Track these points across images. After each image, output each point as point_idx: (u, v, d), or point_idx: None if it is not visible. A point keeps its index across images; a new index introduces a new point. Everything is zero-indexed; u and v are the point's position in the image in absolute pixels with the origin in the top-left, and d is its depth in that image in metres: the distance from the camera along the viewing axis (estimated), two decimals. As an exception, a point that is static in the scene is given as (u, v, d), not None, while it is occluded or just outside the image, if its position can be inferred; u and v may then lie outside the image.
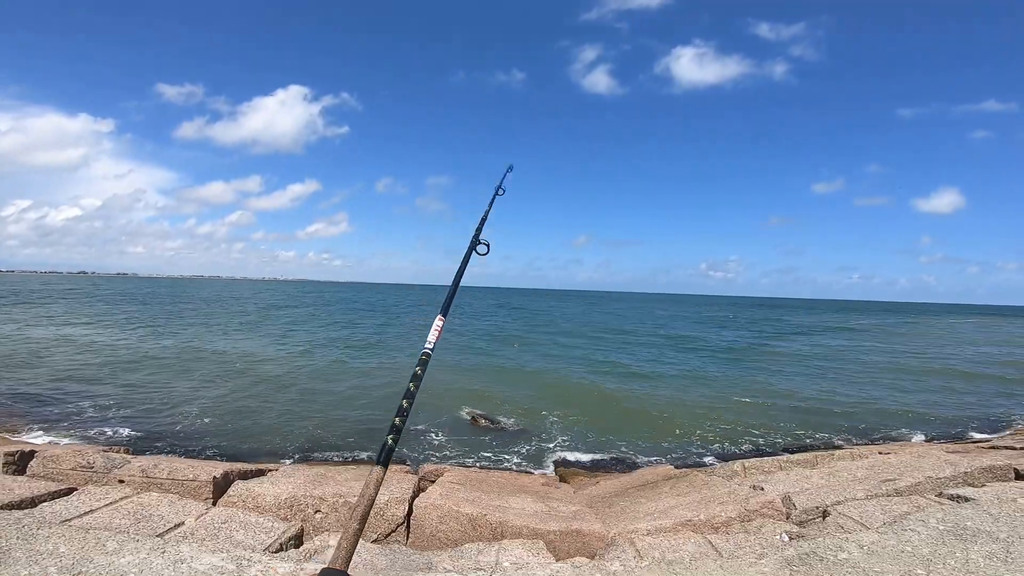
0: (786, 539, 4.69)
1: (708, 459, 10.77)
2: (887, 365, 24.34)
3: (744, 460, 7.99)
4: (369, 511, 1.26)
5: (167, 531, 3.79)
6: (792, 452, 11.12)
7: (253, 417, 12.82)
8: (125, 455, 6.77)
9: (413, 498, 5.19)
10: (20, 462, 5.35)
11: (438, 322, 2.08)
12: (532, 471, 9.48)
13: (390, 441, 1.41)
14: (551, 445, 11.42)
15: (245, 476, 5.60)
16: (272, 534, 3.97)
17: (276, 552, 3.68)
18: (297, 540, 4.07)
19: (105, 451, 5.72)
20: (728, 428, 13.09)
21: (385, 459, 1.38)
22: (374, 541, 4.72)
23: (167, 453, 9.48)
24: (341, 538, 1.20)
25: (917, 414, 15.07)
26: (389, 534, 4.77)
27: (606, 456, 10.79)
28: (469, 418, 13.17)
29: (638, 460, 10.52)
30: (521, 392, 16.85)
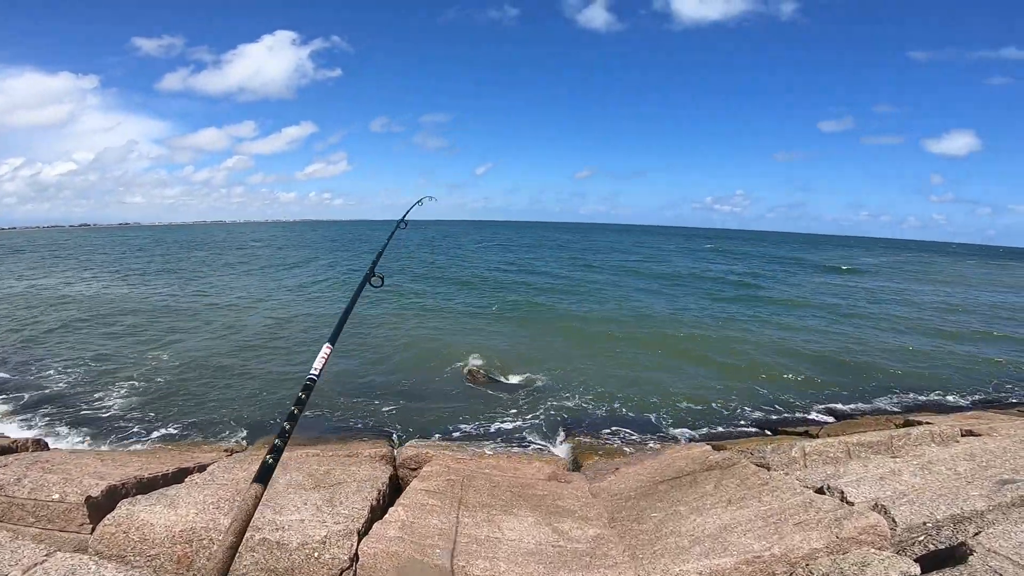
0: (906, 589, 3.24)
1: (745, 425, 9.34)
2: (908, 312, 22.16)
3: (801, 441, 6.45)
4: (246, 528, 1.16)
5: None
6: (838, 418, 9.74)
7: (217, 379, 11.41)
8: (27, 448, 5.47)
9: (369, 524, 3.75)
10: None
11: (325, 350, 1.83)
12: (537, 448, 8.09)
13: (270, 461, 1.31)
14: (559, 405, 10.03)
15: (148, 485, 4.20)
16: None
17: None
18: None
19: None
20: (756, 383, 11.64)
21: (263, 477, 1.27)
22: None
23: (91, 438, 8.13)
24: (216, 550, 1.09)
25: (952, 368, 13.49)
26: (330, 583, 3.34)
27: (625, 420, 9.39)
28: (467, 374, 11.82)
29: (663, 429, 9.10)
30: (524, 341, 15.31)
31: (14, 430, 8.04)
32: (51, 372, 11.42)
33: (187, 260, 42.78)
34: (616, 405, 10.06)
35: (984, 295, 29.16)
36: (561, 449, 8.04)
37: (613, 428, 9.01)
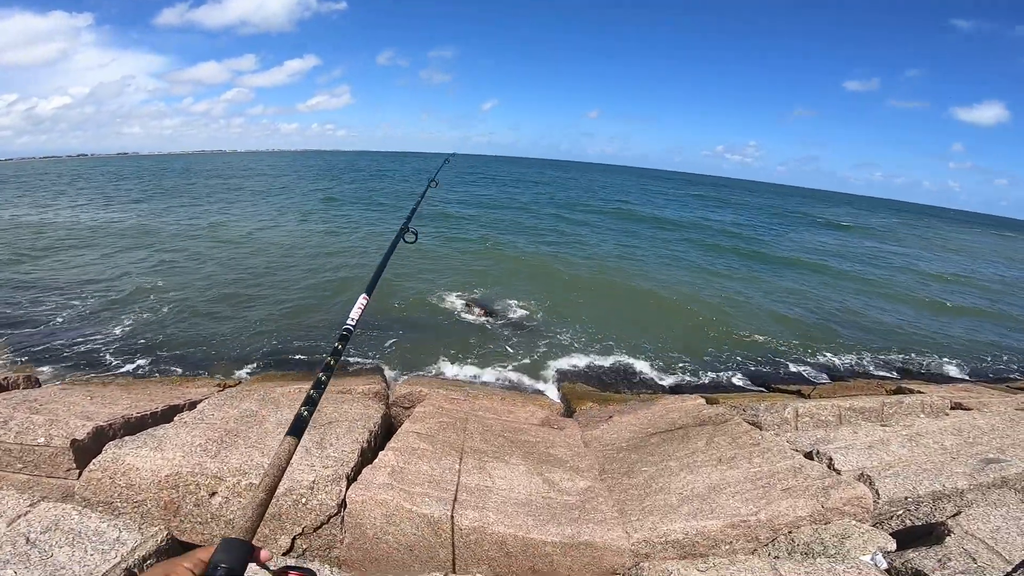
0: (882, 564, 3.29)
1: (738, 379, 9.38)
2: (910, 278, 21.94)
3: (793, 401, 6.47)
4: (278, 483, 1.11)
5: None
6: (831, 378, 9.80)
7: (215, 309, 11.34)
8: (18, 386, 5.39)
9: (359, 468, 3.74)
10: None
11: (361, 300, 1.79)
12: (531, 390, 8.14)
13: (304, 413, 1.28)
14: (554, 347, 10.03)
15: (136, 425, 4.15)
16: (115, 552, 2.59)
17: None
18: (164, 553, 2.69)
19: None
20: (751, 337, 11.61)
21: (297, 430, 1.23)
22: (293, 544, 3.32)
23: (84, 371, 7.98)
24: (246, 506, 1.04)
25: (949, 339, 13.42)
26: (317, 528, 3.35)
27: (619, 366, 9.43)
28: (464, 305, 11.78)
29: (656, 377, 9.15)
30: (522, 280, 15.12)
31: (4, 367, 7.86)
32: (45, 304, 11.22)
33: (187, 187, 41.89)
34: (611, 350, 10.09)
35: (989, 267, 28.76)
36: (555, 392, 8.08)
37: (608, 373, 9.09)
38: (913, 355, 11.69)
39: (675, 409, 6.25)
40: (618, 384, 8.67)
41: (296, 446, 1.21)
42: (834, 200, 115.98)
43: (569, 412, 6.83)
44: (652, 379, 9.11)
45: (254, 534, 1.02)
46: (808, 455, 4.73)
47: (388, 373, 8.41)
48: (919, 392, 7.35)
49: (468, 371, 8.83)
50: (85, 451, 3.64)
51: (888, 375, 10.27)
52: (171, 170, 69.77)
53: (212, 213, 26.03)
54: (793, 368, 10.21)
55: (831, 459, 4.63)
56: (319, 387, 1.42)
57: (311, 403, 1.34)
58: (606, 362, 9.59)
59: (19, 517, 2.70)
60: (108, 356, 8.72)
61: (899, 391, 7.87)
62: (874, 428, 5.53)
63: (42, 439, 3.63)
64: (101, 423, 3.88)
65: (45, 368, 7.99)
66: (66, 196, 34.36)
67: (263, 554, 0.98)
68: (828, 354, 11.04)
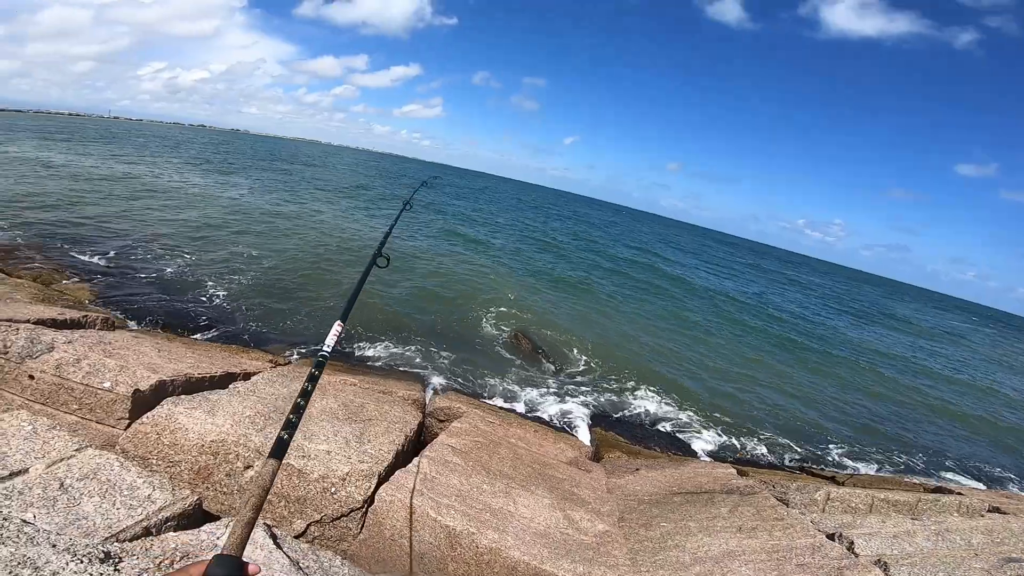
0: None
1: (772, 457, 9.03)
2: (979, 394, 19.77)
3: (826, 485, 6.27)
4: (263, 502, 1.17)
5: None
6: (872, 472, 9.41)
7: (294, 286, 12.00)
8: (95, 325, 5.73)
9: (391, 469, 3.86)
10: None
11: (336, 327, 1.83)
12: (564, 428, 8.11)
13: (285, 436, 1.32)
14: (594, 392, 9.91)
15: (194, 386, 4.37)
16: (142, 509, 2.63)
17: (133, 539, 2.42)
18: (187, 519, 2.74)
19: (35, 328, 4.52)
20: (798, 417, 11.17)
21: (279, 451, 1.28)
22: (307, 530, 3.44)
23: (160, 325, 8.54)
24: (235, 523, 1.11)
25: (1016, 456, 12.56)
26: (336, 519, 3.46)
27: (653, 422, 9.27)
28: (513, 335, 11.87)
29: (690, 440, 8.89)
30: (580, 323, 14.90)
31: (89, 304, 8.48)
32: (139, 255, 12.24)
33: (287, 171, 44.71)
34: (649, 406, 9.91)
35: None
36: (587, 435, 8.02)
37: (641, 427, 8.93)
38: (968, 464, 11.09)
39: (704, 474, 6.17)
40: (649, 439, 8.50)
41: (279, 467, 1.25)
42: (920, 297, 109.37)
43: (597, 457, 6.79)
44: (686, 441, 8.86)
45: (243, 549, 1.09)
46: (830, 536, 4.60)
47: (428, 383, 8.54)
48: (958, 493, 7.05)
49: (506, 398, 8.85)
50: (142, 402, 3.83)
51: (936, 481, 9.80)
52: (278, 153, 74.44)
53: (303, 200, 27.56)
54: (831, 456, 9.77)
55: (852, 542, 4.50)
56: (298, 411, 1.43)
57: (291, 427, 1.37)
58: (642, 416, 9.42)
59: (61, 460, 2.75)
60: (182, 313, 9.39)
61: (938, 490, 7.56)
62: (903, 520, 5.34)
63: (108, 383, 3.85)
64: (164, 377, 4.09)
65: (121, 314, 8.64)
66: (188, 163, 37.06)
67: (251, 568, 1.03)
68: (870, 449, 10.49)
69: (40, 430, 2.93)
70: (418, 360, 9.44)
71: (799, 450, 9.65)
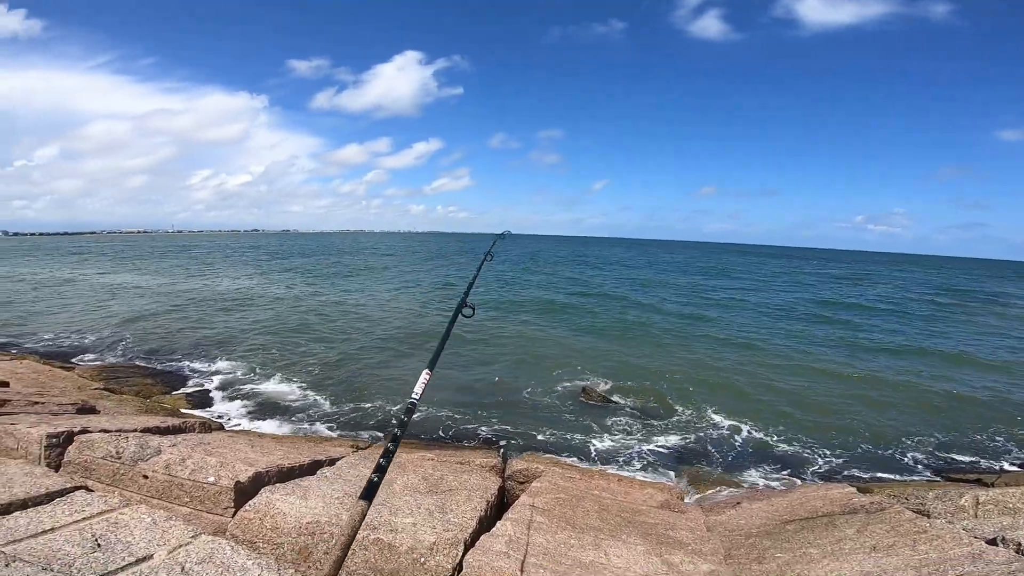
0: None
1: (897, 470, 8.18)
2: None
3: (973, 489, 5.52)
4: (351, 542, 1.24)
5: (114, 572, 2.80)
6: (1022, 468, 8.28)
7: (361, 374, 12.52)
8: (194, 429, 6.28)
9: (476, 535, 3.84)
10: (63, 445, 4.82)
11: (424, 375, 1.94)
12: (649, 473, 7.76)
13: (375, 479, 1.39)
14: (675, 434, 9.45)
15: (286, 475, 4.62)
16: None
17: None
18: None
19: (142, 435, 5.03)
20: (913, 424, 10.09)
21: (369, 494, 1.36)
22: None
23: (245, 421, 9.36)
24: (325, 562, 1.17)
25: None
26: (426, 587, 3.45)
27: (745, 453, 8.67)
28: (582, 391, 11.66)
29: (791, 465, 8.24)
30: (639, 362, 14.64)
31: (187, 408, 9.59)
32: (220, 358, 13.50)
33: (341, 264, 48.84)
34: (737, 437, 9.34)
35: None
36: (675, 477, 7.64)
37: (734, 460, 8.36)
38: None
39: (817, 497, 5.64)
40: (743, 470, 7.92)
41: (368, 508, 1.30)
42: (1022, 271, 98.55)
43: (691, 497, 6.45)
44: (785, 467, 8.20)
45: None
46: (991, 541, 4.00)
47: (502, 448, 8.51)
48: None
49: (583, 450, 8.65)
50: (243, 492, 4.12)
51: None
52: (329, 248, 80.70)
53: (355, 290, 29.36)
54: (971, 456, 8.75)
55: (1020, 544, 3.89)
56: (388, 456, 1.47)
57: (380, 471, 1.41)
58: (730, 448, 8.87)
59: (180, 546, 2.98)
60: (271, 409, 10.12)
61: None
62: (1081, 515, 4.58)
63: (212, 478, 4.18)
64: (260, 469, 4.39)
65: (219, 412, 9.78)
66: (254, 269, 41.86)
67: None
68: (1011, 444, 9.31)
69: (158, 521, 3.20)
70: (491, 428, 9.50)
71: (924, 459, 8.68)
